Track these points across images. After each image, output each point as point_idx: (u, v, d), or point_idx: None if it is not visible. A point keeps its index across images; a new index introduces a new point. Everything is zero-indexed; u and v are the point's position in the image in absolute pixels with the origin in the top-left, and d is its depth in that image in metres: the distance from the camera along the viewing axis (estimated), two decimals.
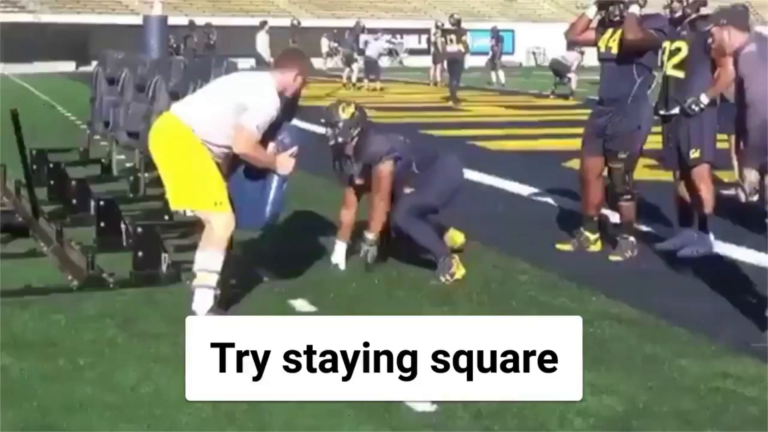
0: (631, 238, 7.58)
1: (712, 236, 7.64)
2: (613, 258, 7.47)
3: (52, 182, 9.55)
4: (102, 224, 7.69)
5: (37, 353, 5.27)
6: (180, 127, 5.93)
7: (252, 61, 25.17)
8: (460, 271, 6.89)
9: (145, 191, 9.73)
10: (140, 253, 6.77)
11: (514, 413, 4.53)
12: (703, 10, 7.60)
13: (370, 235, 7.03)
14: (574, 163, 12.45)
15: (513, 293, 6.57)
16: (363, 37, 30.67)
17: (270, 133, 6.05)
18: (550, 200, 10.07)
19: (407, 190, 7.06)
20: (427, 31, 50.02)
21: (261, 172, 6.11)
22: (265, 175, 6.11)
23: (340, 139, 6.96)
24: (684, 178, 7.70)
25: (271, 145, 6.09)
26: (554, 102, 24.60)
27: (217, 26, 36.05)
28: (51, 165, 9.84)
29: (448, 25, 26.24)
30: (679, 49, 7.55)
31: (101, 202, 7.85)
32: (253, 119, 5.87)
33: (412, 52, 48.77)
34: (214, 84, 6.50)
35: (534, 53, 48.92)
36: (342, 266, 7.07)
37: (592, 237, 7.72)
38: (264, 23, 29.14)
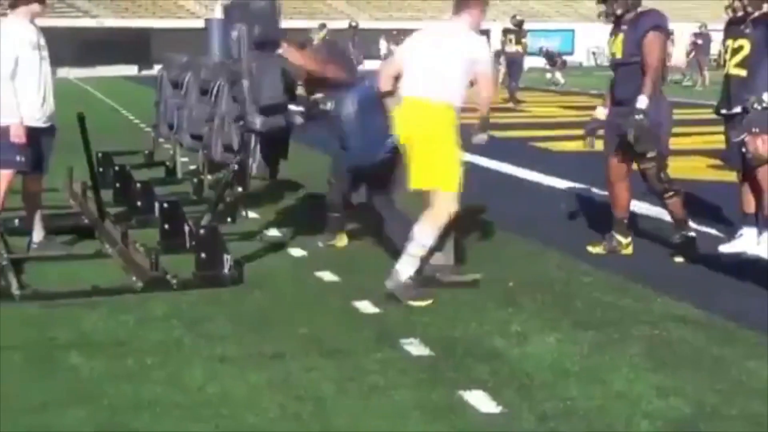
0: (691, 233, 7.47)
1: None
2: (677, 260, 7.38)
3: (117, 185, 9.66)
4: (166, 226, 7.77)
5: (107, 353, 5.33)
6: (446, 109, 6.34)
7: None
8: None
9: (207, 193, 9.79)
10: (203, 255, 6.82)
11: (580, 416, 4.50)
12: (766, 7, 7.49)
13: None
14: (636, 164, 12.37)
15: (577, 294, 6.52)
16: None
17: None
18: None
19: None
20: (486, 32, 49.98)
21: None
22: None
23: None
24: (747, 179, 7.59)
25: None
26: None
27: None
28: (116, 168, 9.96)
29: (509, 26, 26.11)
30: (741, 47, 7.45)
31: (165, 204, 7.93)
32: (489, 64, 6.62)
33: None
34: (431, 58, 6.49)
35: (594, 53, 48.59)
36: None
37: (624, 241, 7.63)
38: (323, 25, 29.21)
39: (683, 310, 6.12)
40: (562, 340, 5.55)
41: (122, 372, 5.04)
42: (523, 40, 25.20)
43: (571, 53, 48.84)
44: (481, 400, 4.64)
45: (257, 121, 7.25)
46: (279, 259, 7.35)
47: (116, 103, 22.62)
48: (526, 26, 26.31)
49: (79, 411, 4.55)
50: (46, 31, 7.71)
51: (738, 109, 7.41)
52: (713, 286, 6.77)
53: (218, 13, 27.98)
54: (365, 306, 6.25)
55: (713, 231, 8.22)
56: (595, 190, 10.54)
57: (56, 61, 8.18)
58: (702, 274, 7.07)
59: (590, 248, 7.68)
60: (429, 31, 6.93)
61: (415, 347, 5.43)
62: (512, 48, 24.65)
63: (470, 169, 7.26)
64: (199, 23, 32.22)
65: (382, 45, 45.39)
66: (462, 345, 5.47)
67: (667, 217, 7.72)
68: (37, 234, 7.71)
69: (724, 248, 7.66)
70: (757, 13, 7.44)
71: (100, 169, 9.84)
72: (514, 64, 24.46)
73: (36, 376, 4.97)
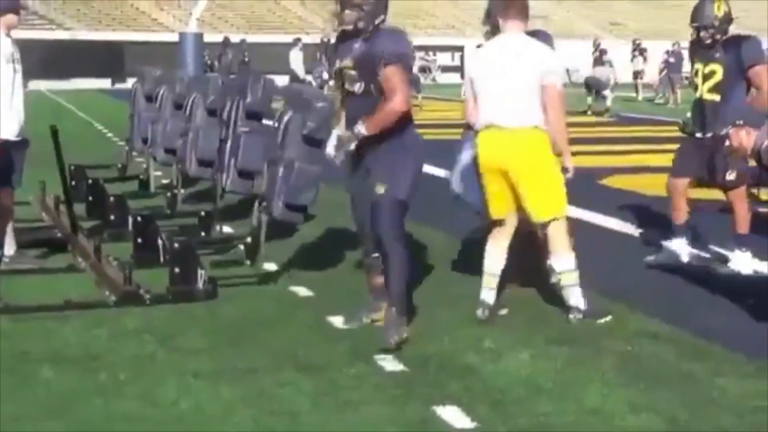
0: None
1: (749, 254, 7.60)
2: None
3: (90, 198, 9.62)
4: (139, 240, 7.75)
5: (79, 367, 5.31)
6: (533, 134, 6.14)
7: (286, 78, 25.24)
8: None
9: (181, 207, 9.79)
10: (177, 269, 6.81)
11: (552, 431, 4.53)
12: (732, 30, 7.59)
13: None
14: (610, 181, 12.47)
15: (551, 311, 6.54)
16: None
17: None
18: (585, 216, 10.03)
19: None
20: (460, 48, 50.15)
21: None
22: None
23: None
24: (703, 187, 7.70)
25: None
26: (588, 119, 24.54)
27: (252, 43, 36.30)
28: (89, 181, 9.92)
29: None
30: (713, 72, 7.52)
31: (139, 218, 7.92)
32: (558, 75, 6.24)
33: (445, 69, 48.84)
34: (499, 80, 6.16)
35: (568, 70, 48.79)
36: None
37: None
38: (298, 40, 29.30)
39: (655, 326, 6.16)
40: (535, 356, 5.57)
41: (95, 387, 5.03)
42: None
43: None
44: (455, 416, 4.66)
45: (278, 211, 7.20)
46: (253, 273, 7.34)
47: (89, 117, 22.54)
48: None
49: (51, 425, 4.54)
50: (18, 44, 7.69)
51: (723, 131, 7.45)
52: (685, 303, 6.81)
53: (193, 27, 28.09)
54: (339, 321, 6.26)
55: (693, 249, 8.27)
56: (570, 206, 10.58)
57: (29, 74, 8.15)
58: (674, 291, 7.13)
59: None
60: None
61: (389, 363, 5.44)
62: None
63: (431, 181, 7.30)
64: (173, 37, 32.25)
65: None
66: (436, 361, 5.48)
67: (637, 233, 7.79)
68: (9, 247, 7.68)
69: (651, 260, 7.76)
70: (725, 38, 7.53)
71: (73, 183, 9.80)
72: None
73: (8, 390, 4.94)
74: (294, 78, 27.32)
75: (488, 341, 5.82)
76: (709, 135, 7.53)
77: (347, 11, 5.80)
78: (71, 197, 8.23)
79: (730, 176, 7.46)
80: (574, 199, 10.81)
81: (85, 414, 4.67)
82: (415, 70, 29.46)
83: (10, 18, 7.41)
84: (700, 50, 7.67)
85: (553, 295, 6.89)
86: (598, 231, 9.35)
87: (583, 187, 11.97)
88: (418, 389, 5.03)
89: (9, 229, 7.69)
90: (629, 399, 4.89)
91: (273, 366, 5.37)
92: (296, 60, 28.42)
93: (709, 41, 7.53)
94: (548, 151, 6.21)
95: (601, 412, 4.74)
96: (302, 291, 6.99)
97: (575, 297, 6.25)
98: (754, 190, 9.24)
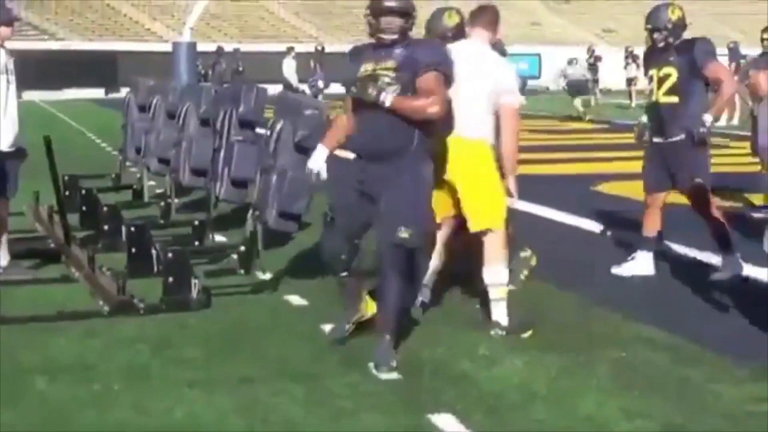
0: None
1: (738, 256, 7.59)
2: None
3: (84, 208, 9.60)
4: (133, 250, 7.73)
5: (73, 377, 5.30)
6: (482, 147, 6.12)
7: (279, 87, 25.23)
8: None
9: (175, 217, 9.78)
10: (170, 279, 6.80)
11: None
12: (686, 35, 7.62)
13: None
14: (602, 187, 12.48)
15: (545, 317, 6.54)
16: None
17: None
18: (578, 223, 10.06)
19: None
20: None
21: None
22: None
23: None
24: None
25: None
26: (579, 126, 24.57)
27: (245, 52, 36.28)
28: (83, 191, 9.91)
29: None
30: (668, 75, 7.52)
31: (132, 228, 7.90)
32: (516, 94, 6.19)
33: None
34: (462, 93, 5.99)
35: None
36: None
37: None
38: (291, 49, 29.29)
39: (649, 333, 6.16)
40: (530, 363, 5.57)
41: (89, 397, 5.02)
42: None
43: (537, 77, 49.14)
44: (449, 423, 4.66)
45: (271, 220, 7.20)
46: (247, 282, 7.33)
47: (83, 127, 22.51)
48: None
49: None
50: (12, 54, 7.69)
51: (682, 136, 7.46)
52: (678, 309, 6.82)
53: (186, 37, 28.08)
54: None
55: (685, 253, 8.29)
56: (559, 212, 10.62)
57: (22, 84, 8.15)
58: (668, 298, 7.13)
59: None
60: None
61: (383, 371, 5.43)
62: None
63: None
64: (167, 47, 32.25)
65: None
66: (430, 368, 5.48)
67: (630, 240, 7.79)
68: (3, 258, 7.67)
69: (616, 270, 7.76)
70: (678, 42, 7.55)
71: (67, 193, 9.80)
72: None
73: (3, 401, 4.93)
74: (287, 87, 27.32)
75: (483, 348, 5.82)
76: (668, 140, 7.53)
77: (390, 18, 5.54)
78: (64, 207, 8.23)
79: (696, 180, 7.44)
80: (568, 204, 10.91)
81: (80, 424, 4.66)
82: None
83: (3, 30, 7.42)
84: (654, 55, 7.69)
85: (547, 303, 6.91)
86: (591, 237, 9.36)
87: (577, 194, 12.10)
88: (413, 397, 5.02)
89: (3, 239, 7.68)
90: (623, 405, 4.89)
91: (267, 375, 5.36)
92: (289, 68, 28.44)
93: (662, 44, 7.56)
94: (491, 163, 6.19)
95: (596, 418, 4.75)
96: (296, 300, 6.98)
97: (499, 312, 6.16)
98: (746, 195, 9.28)
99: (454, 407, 4.84)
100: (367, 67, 5.60)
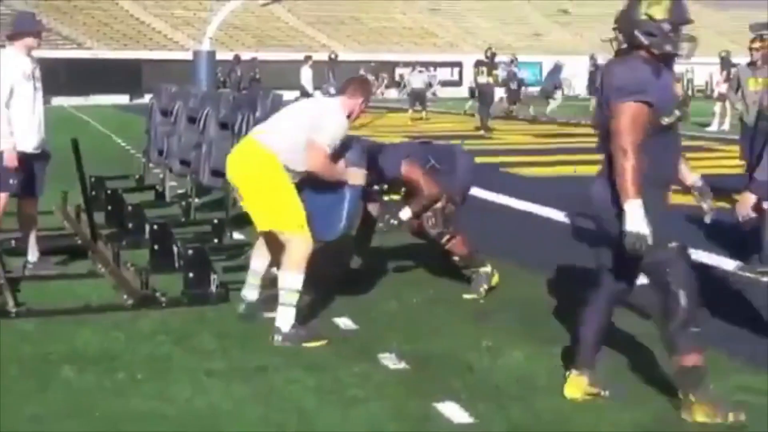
0: (485, 269, 7.11)
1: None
2: (465, 296, 6.98)
3: (109, 207, 9.62)
4: (155, 247, 7.74)
5: (98, 367, 5.30)
6: (265, 154, 5.97)
7: (296, 93, 25.24)
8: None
9: (195, 216, 9.79)
10: (191, 274, 6.81)
11: (548, 426, 4.51)
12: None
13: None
14: None
15: (546, 312, 6.53)
16: (398, 71, 30.93)
17: (338, 153, 6.15)
18: (579, 223, 10.02)
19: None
20: (459, 63, 50.15)
21: (333, 187, 6.17)
22: (337, 190, 6.19)
23: None
24: None
25: (341, 161, 6.19)
26: (580, 130, 24.52)
27: (262, 60, 36.29)
28: (109, 191, 9.93)
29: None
30: None
31: (155, 226, 7.91)
32: (325, 137, 5.97)
33: (445, 83, 48.83)
34: (289, 111, 6.37)
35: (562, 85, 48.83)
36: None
37: None
38: (309, 57, 29.26)
39: (645, 326, 6.12)
40: (531, 355, 5.56)
41: (113, 386, 5.02)
42: (495, 72, 25.29)
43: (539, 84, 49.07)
44: (454, 412, 4.65)
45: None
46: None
47: (109, 131, 22.52)
48: (497, 59, 26.45)
49: (71, 423, 4.54)
50: (42, 62, 7.71)
51: None
52: None
53: (206, 46, 28.10)
54: (345, 322, 6.26)
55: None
56: (562, 212, 10.59)
57: (52, 91, 8.21)
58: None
59: None
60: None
61: (391, 361, 5.43)
62: (484, 79, 24.71)
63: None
64: (188, 55, 32.26)
65: None
66: (436, 359, 5.48)
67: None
68: (32, 254, 7.68)
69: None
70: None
71: (93, 193, 9.82)
72: (485, 95, 24.54)
73: (31, 390, 4.94)
74: (304, 93, 27.30)
75: (487, 340, 5.81)
76: None
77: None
78: (91, 207, 8.24)
79: None
80: (568, 205, 10.87)
81: (104, 411, 4.67)
82: (422, 84, 29.84)
83: (29, 40, 7.45)
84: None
85: (548, 298, 6.90)
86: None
87: (576, 195, 12.05)
88: (420, 386, 5.01)
89: (32, 237, 7.69)
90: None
91: (281, 365, 5.36)
92: (306, 76, 28.38)
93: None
94: (275, 171, 6.00)
95: (593, 407, 4.73)
96: (308, 294, 6.96)
97: (284, 318, 5.82)
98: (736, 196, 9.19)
99: (458, 396, 4.83)
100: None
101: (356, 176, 6.22)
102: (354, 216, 6.41)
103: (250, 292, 6.36)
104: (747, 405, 4.67)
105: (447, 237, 7.03)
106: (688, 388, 4.55)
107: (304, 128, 6.00)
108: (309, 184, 6.13)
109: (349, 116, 6.16)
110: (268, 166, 5.95)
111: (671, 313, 4.52)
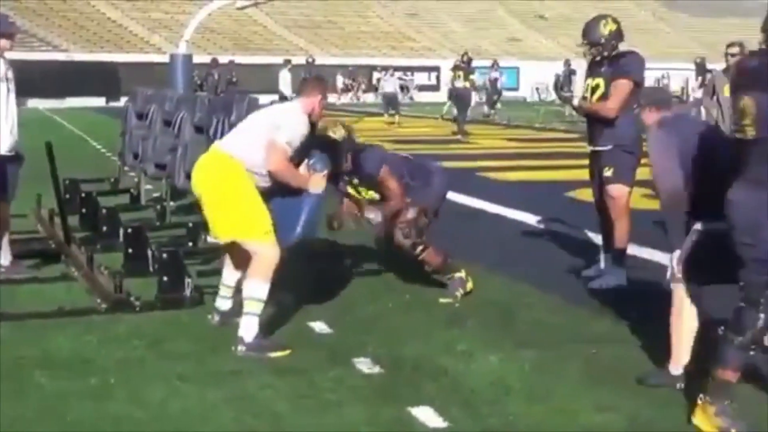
0: (459, 274, 7.12)
1: (623, 271, 7.46)
2: (441, 300, 7.00)
3: (83, 211, 9.57)
4: (130, 250, 7.70)
5: (71, 372, 5.26)
6: (230, 162, 5.91)
7: (273, 97, 25.19)
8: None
9: (170, 219, 9.75)
10: (165, 278, 6.78)
11: (522, 430, 4.52)
12: (621, 48, 7.56)
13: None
14: (576, 193, 12.49)
15: (519, 315, 6.55)
16: (376, 75, 30.97)
17: (300, 158, 6.11)
18: (552, 227, 10.06)
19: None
20: (436, 68, 50.26)
21: (292, 192, 6.11)
22: (296, 195, 6.12)
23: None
24: (604, 209, 7.59)
25: (303, 167, 6.15)
26: (556, 135, 24.61)
27: (240, 64, 36.20)
28: (83, 194, 9.87)
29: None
30: (598, 86, 7.46)
31: (129, 230, 7.86)
32: (284, 136, 5.93)
33: (422, 88, 48.93)
34: (252, 117, 6.34)
35: (537, 89, 49.06)
36: None
37: None
38: (288, 61, 29.25)
39: (619, 330, 6.16)
40: (505, 359, 5.56)
41: (86, 390, 4.99)
42: (471, 77, 25.37)
43: (516, 89, 49.29)
44: (428, 416, 4.65)
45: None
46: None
47: (84, 133, 22.40)
48: (474, 64, 26.53)
49: (45, 427, 4.50)
50: (17, 64, 7.65)
51: (609, 146, 7.41)
52: (647, 308, 6.80)
53: (183, 49, 27.99)
54: (320, 326, 6.24)
55: (650, 257, 8.29)
56: (535, 216, 10.62)
57: (27, 93, 8.14)
58: (636, 297, 7.11)
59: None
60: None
61: (366, 366, 5.42)
62: (460, 84, 24.77)
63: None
64: (165, 58, 32.13)
65: (339, 80, 45.64)
66: (410, 363, 5.47)
67: (600, 243, 7.78)
68: (5, 258, 7.62)
69: (585, 274, 7.69)
70: (613, 54, 7.50)
71: (67, 196, 9.75)
72: (462, 99, 24.59)
73: (4, 394, 4.89)
74: (282, 97, 27.26)
75: (461, 344, 5.81)
76: (595, 148, 7.54)
77: None
78: (65, 210, 8.19)
79: (607, 173, 7.39)
80: (543, 209, 10.92)
81: (77, 415, 4.63)
82: (393, 89, 29.83)
83: (2, 42, 7.39)
84: (591, 66, 7.65)
85: (521, 302, 6.91)
86: (566, 240, 9.36)
87: (550, 199, 12.11)
88: (394, 390, 5.01)
89: (5, 240, 7.63)
90: (594, 399, 4.89)
91: (255, 369, 5.34)
92: (284, 80, 28.33)
93: (598, 58, 7.54)
94: (241, 179, 5.95)
95: (567, 411, 4.74)
96: (284, 298, 6.94)
97: (247, 328, 5.70)
98: None
99: (433, 401, 4.83)
100: None
101: (317, 183, 6.14)
102: (315, 223, 6.31)
103: (223, 303, 6.33)
104: None
105: (421, 248, 7.05)
106: (714, 397, 4.51)
107: (265, 129, 5.98)
108: (273, 191, 6.10)
109: (310, 115, 6.15)
110: (233, 173, 5.89)
111: (744, 330, 4.42)
